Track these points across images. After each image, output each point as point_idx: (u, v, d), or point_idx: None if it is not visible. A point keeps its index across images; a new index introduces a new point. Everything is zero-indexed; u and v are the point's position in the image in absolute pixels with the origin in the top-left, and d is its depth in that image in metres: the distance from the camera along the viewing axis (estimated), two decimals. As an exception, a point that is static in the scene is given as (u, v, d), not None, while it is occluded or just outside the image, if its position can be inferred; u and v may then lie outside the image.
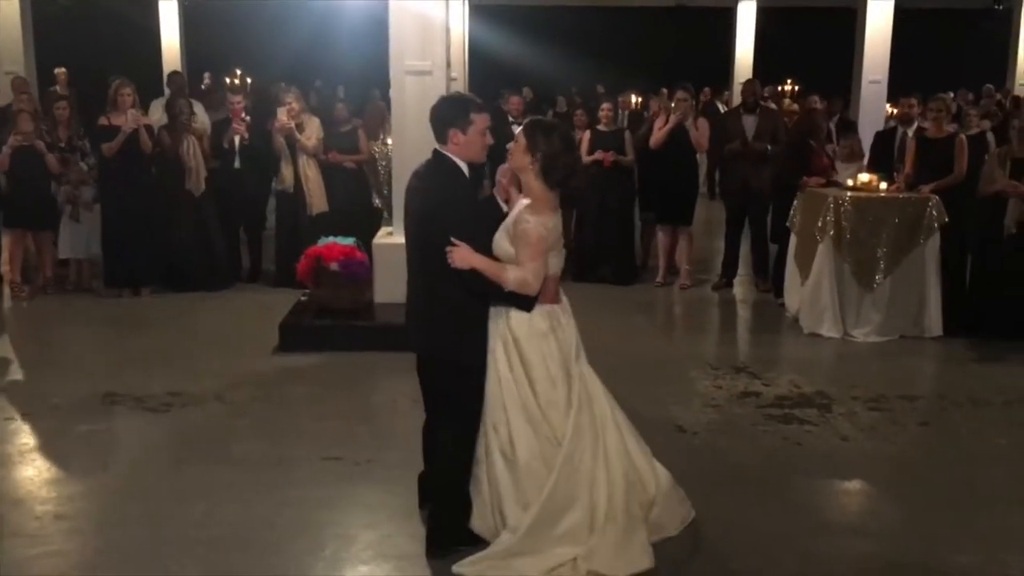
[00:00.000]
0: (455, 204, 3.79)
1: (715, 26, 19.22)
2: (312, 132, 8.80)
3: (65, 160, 8.55)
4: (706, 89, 16.02)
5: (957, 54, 18.81)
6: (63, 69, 12.98)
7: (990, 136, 8.80)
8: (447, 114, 3.87)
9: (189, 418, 5.60)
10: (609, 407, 4.03)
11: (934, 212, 7.29)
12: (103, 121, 8.43)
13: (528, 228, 3.70)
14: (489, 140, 3.92)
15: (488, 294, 3.79)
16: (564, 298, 4.05)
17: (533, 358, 3.84)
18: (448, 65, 7.43)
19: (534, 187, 3.79)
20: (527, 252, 3.70)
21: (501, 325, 3.85)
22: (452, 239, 3.67)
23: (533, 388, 3.84)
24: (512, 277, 3.71)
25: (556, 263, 3.89)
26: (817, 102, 9.79)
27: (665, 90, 12.87)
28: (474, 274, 3.70)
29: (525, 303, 3.82)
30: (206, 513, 4.34)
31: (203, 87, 14.03)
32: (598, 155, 9.01)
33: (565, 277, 9.45)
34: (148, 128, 8.50)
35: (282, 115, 8.65)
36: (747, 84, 9.53)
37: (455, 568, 3.77)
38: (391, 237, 7.46)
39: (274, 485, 4.62)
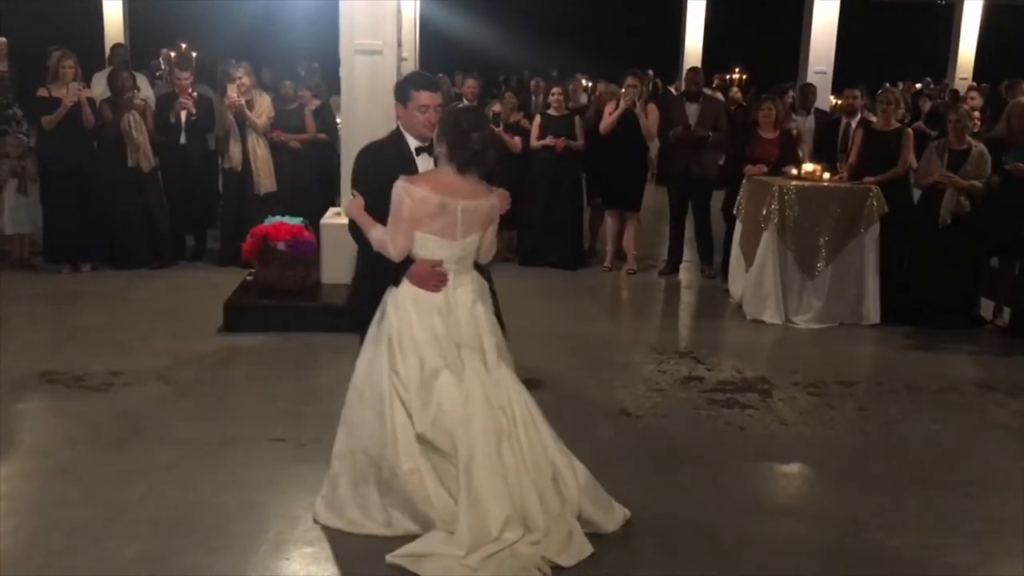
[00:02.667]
0: (379, 163, 4.00)
1: (667, 13, 19.33)
2: (263, 110, 8.68)
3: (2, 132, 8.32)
4: (650, 71, 16.09)
5: (901, 47, 19.17)
6: (2, 39, 12.59)
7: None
8: (397, 87, 4.16)
9: (130, 398, 5.52)
10: (527, 409, 3.93)
11: (874, 202, 7.43)
12: (43, 92, 8.22)
13: (394, 192, 3.78)
14: (431, 118, 4.00)
15: (365, 251, 3.98)
16: (457, 298, 3.89)
17: (401, 332, 3.87)
18: (399, 45, 7.39)
19: (446, 171, 3.87)
20: (390, 215, 3.81)
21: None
22: (353, 190, 3.91)
23: (393, 367, 3.85)
24: (374, 234, 3.86)
25: (434, 247, 3.84)
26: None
27: (603, 83, 12.88)
28: (353, 225, 3.92)
29: (392, 275, 3.89)
30: (147, 494, 4.29)
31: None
32: (548, 140, 9.04)
33: (512, 261, 9.54)
34: (90, 101, 8.31)
35: (232, 92, 8.51)
36: (690, 72, 9.62)
37: (388, 557, 3.73)
38: (339, 217, 7.41)
39: (217, 466, 4.59)
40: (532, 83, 13.85)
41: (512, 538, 3.69)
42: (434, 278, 3.87)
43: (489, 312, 4.02)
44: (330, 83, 9.74)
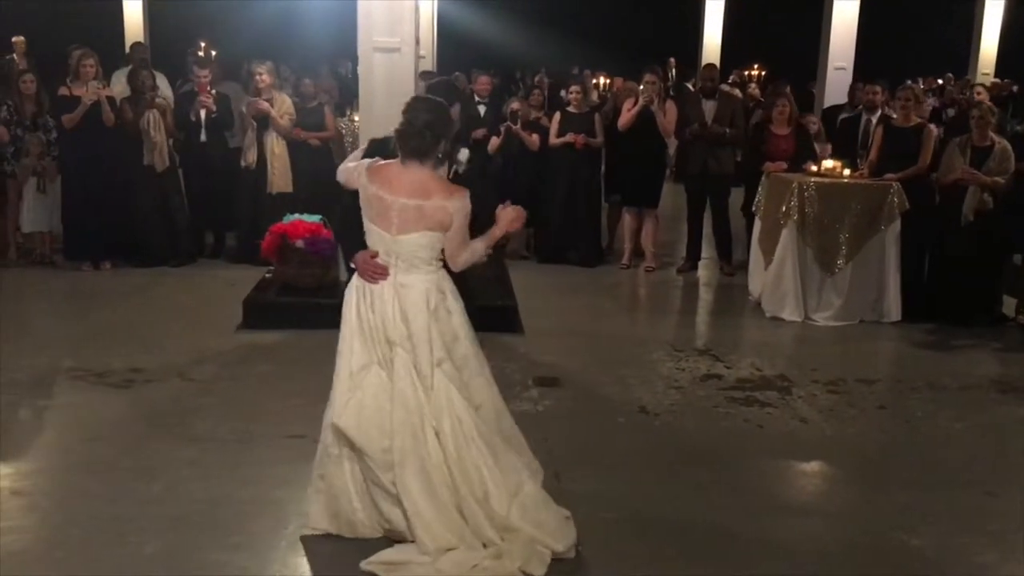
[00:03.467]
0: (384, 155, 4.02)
1: (685, 8, 19.24)
2: (284, 109, 8.70)
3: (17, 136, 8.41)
4: (671, 60, 16.06)
5: (923, 42, 19.00)
6: (21, 38, 12.70)
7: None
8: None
9: (151, 394, 5.55)
10: (459, 425, 3.77)
11: (895, 199, 7.38)
12: (63, 91, 8.29)
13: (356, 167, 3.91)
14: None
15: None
16: (395, 294, 3.76)
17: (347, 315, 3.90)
18: (417, 43, 7.39)
19: (395, 162, 3.86)
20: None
21: None
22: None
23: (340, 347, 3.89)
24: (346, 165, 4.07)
25: (375, 238, 3.79)
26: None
27: (620, 80, 12.84)
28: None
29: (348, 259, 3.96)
30: (167, 490, 4.31)
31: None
32: (568, 137, 9.01)
33: (531, 258, 9.56)
34: (110, 100, 8.37)
35: (262, 103, 8.54)
36: (706, 68, 9.58)
37: (363, 564, 3.69)
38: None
39: (236, 463, 4.60)
40: (536, 78, 13.72)
41: (474, 544, 3.68)
42: (371, 268, 3.77)
43: (440, 319, 3.79)
44: (344, 81, 9.80)
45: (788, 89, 9.08)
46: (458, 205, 3.74)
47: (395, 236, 3.74)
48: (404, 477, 3.69)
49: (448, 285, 3.87)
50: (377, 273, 3.77)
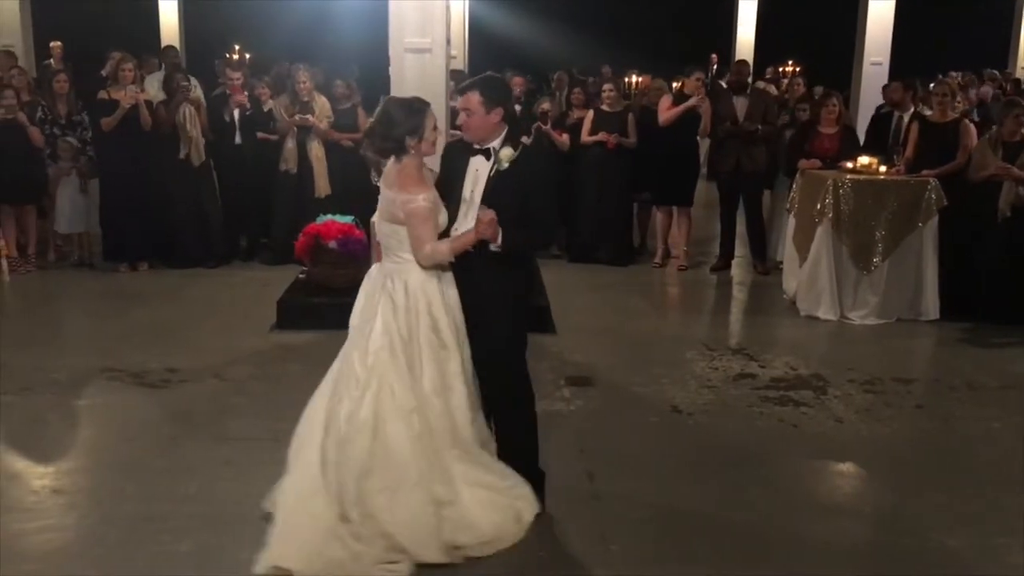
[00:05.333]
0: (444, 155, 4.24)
1: (719, 5, 19.11)
2: (323, 113, 8.78)
3: (54, 137, 8.55)
4: (712, 56, 16.02)
5: (960, 35, 18.70)
6: (58, 43, 12.90)
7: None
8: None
9: (186, 394, 5.62)
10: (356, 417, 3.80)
11: (933, 195, 7.27)
12: (103, 95, 8.42)
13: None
14: (462, 120, 4.04)
15: None
16: (371, 277, 4.04)
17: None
18: (448, 43, 7.40)
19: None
20: None
21: None
22: None
23: None
24: None
25: None
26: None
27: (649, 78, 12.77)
28: None
29: None
30: (201, 489, 4.36)
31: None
32: (601, 136, 8.98)
33: (562, 257, 9.55)
34: (147, 104, 8.47)
35: (309, 119, 8.68)
36: (736, 65, 9.51)
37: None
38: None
39: (269, 462, 4.60)
40: (555, 77, 13.60)
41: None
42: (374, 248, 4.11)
43: (390, 314, 3.85)
44: (374, 82, 9.82)
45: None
46: (405, 198, 3.80)
47: (376, 220, 4.02)
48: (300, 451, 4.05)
49: (415, 280, 3.87)
50: (376, 255, 4.11)
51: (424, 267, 3.88)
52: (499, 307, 3.99)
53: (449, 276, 3.95)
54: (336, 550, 3.68)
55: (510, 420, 4.11)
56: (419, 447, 3.78)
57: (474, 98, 3.91)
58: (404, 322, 3.85)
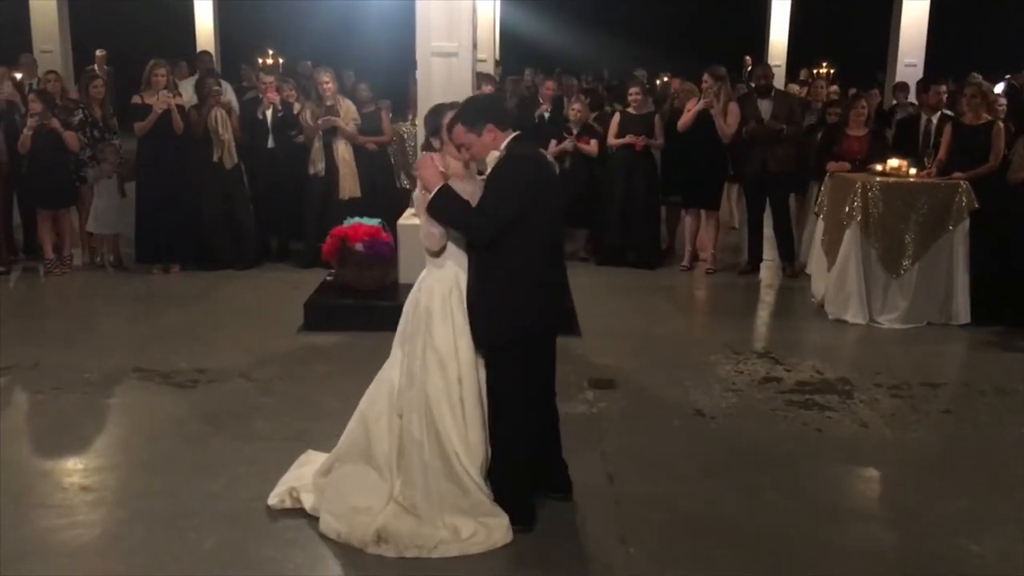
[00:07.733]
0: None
1: (751, 7, 19.03)
2: (349, 116, 8.86)
3: (94, 140, 8.71)
4: (747, 58, 15.92)
5: (995, 36, 18.46)
6: (103, 52, 13.16)
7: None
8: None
9: (214, 394, 5.69)
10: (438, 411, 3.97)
11: (964, 198, 7.19)
12: (136, 99, 8.55)
13: None
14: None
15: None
16: (430, 269, 4.10)
17: None
18: (475, 46, 7.44)
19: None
20: None
21: None
22: None
23: None
24: None
25: None
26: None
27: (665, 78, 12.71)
28: None
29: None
30: (227, 487, 4.42)
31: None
32: (628, 139, 8.97)
33: (589, 260, 9.54)
34: (180, 108, 8.59)
35: (334, 120, 8.75)
36: (760, 68, 9.47)
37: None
38: (415, 218, 7.48)
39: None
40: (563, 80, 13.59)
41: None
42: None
43: (424, 309, 4.02)
44: (393, 87, 9.94)
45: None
46: (417, 191, 4.08)
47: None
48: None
49: (433, 278, 4.05)
50: None
51: (435, 254, 4.02)
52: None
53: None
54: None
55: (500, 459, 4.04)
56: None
57: (460, 131, 3.96)
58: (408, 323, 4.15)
